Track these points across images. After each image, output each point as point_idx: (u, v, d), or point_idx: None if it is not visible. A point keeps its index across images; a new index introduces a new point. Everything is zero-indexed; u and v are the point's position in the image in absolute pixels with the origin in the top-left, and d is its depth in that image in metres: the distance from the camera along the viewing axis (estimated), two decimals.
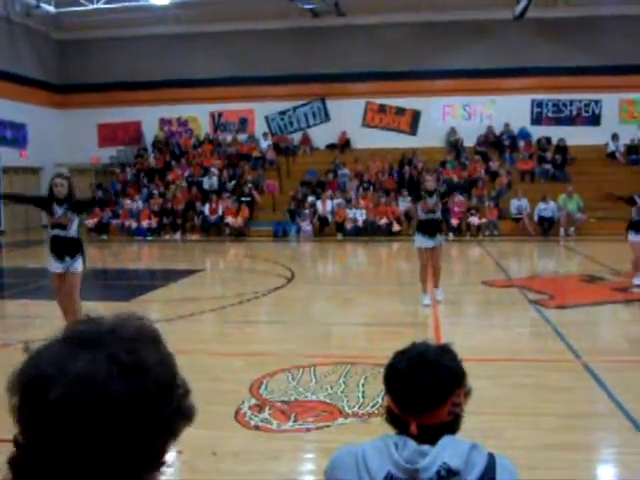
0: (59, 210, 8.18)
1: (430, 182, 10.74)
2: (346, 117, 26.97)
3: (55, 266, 8.28)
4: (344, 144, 27.07)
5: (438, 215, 10.71)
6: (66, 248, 8.23)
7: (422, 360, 1.87)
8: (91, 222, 23.89)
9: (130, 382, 1.01)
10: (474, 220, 22.23)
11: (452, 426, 1.87)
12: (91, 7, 24.70)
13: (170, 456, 1.09)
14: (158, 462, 1.05)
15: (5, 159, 24.92)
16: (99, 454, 0.97)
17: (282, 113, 27.89)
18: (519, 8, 22.94)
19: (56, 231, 8.25)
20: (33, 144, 26.57)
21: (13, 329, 9.48)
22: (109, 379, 0.99)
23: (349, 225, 22.63)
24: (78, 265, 8.28)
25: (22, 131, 26.36)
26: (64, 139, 27.93)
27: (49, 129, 27.38)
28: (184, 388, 1.10)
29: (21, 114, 25.84)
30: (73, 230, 8.28)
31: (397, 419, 1.89)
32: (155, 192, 24.80)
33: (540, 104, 26.52)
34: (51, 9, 25.30)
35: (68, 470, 0.97)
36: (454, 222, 22.14)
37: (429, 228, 10.52)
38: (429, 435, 1.82)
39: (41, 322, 9.37)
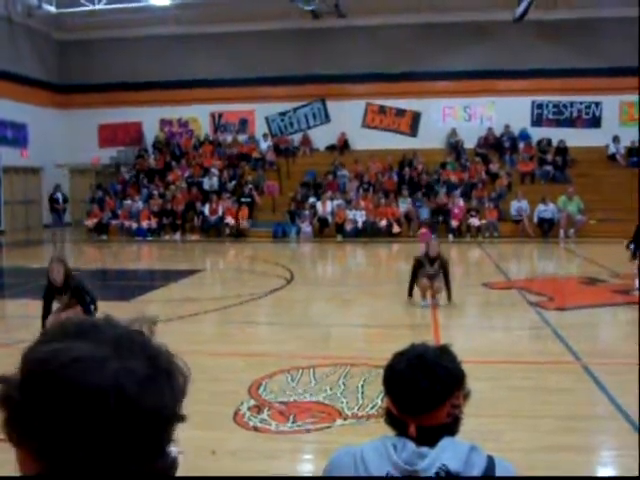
0: (60, 299, 8.01)
1: (434, 247, 10.67)
2: (346, 118, 26.97)
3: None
4: (342, 145, 27.05)
5: (438, 282, 10.62)
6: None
7: (421, 361, 1.87)
8: (91, 222, 23.93)
9: (171, 383, 1.02)
10: (474, 221, 22.23)
11: (451, 428, 1.87)
12: (92, 8, 24.73)
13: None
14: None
15: (6, 159, 24.91)
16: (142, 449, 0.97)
17: (282, 114, 27.89)
18: (520, 10, 22.94)
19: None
20: (34, 144, 26.56)
21: (14, 329, 9.47)
22: (165, 382, 1.00)
23: (349, 226, 22.62)
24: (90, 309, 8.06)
25: (23, 131, 26.37)
26: (65, 139, 27.92)
27: (50, 129, 27.38)
28: None
29: (22, 114, 25.84)
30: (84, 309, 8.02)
31: (396, 420, 1.89)
32: (155, 193, 24.80)
33: (540, 106, 26.53)
34: (52, 9, 25.33)
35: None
36: (454, 224, 22.16)
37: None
38: (428, 437, 1.82)
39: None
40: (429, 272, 10.49)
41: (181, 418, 1.03)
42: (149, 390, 0.97)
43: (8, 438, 0.99)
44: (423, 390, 1.82)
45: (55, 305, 8.09)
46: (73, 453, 0.94)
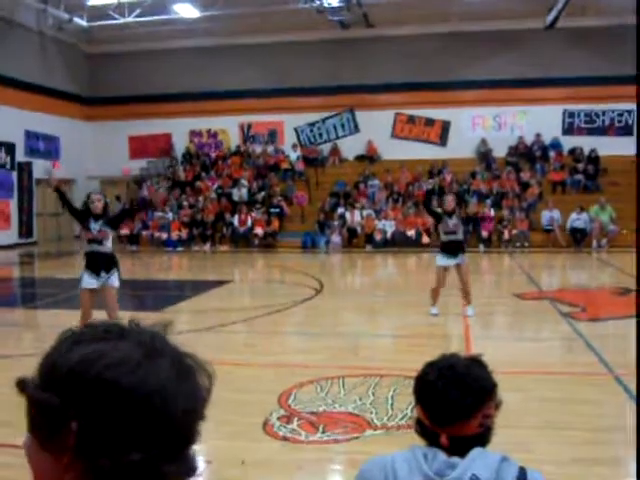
0: (96, 226, 8.30)
1: (450, 202, 10.71)
2: (375, 128, 26.94)
3: (89, 282, 8.26)
4: (371, 155, 27.00)
5: (460, 236, 10.61)
6: (102, 263, 8.31)
7: (452, 372, 1.85)
8: (122, 233, 24.09)
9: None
10: (505, 231, 22.06)
11: (482, 438, 1.85)
12: (122, 21, 24.97)
13: (200, 465, 1.09)
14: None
15: (38, 171, 25.25)
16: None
17: (311, 124, 27.94)
18: (550, 17, 22.83)
19: (93, 247, 8.33)
20: (65, 156, 26.89)
21: (46, 338, 9.56)
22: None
23: (378, 236, 22.57)
24: (114, 279, 8.35)
25: (55, 143, 26.71)
26: (95, 151, 28.25)
27: (81, 141, 27.71)
28: None
29: (54, 127, 26.20)
30: (108, 245, 8.41)
31: (427, 431, 1.87)
32: (185, 203, 24.98)
33: (572, 114, 26.28)
34: (83, 23, 25.61)
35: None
36: (485, 234, 22.00)
37: (451, 249, 10.50)
38: (459, 447, 1.80)
39: None
40: (449, 226, 10.48)
41: (202, 417, 1.06)
42: (174, 389, 0.99)
43: (39, 442, 0.99)
44: (454, 400, 1.81)
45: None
46: (117, 453, 0.95)
